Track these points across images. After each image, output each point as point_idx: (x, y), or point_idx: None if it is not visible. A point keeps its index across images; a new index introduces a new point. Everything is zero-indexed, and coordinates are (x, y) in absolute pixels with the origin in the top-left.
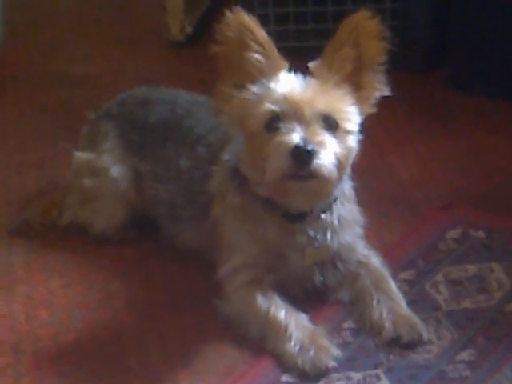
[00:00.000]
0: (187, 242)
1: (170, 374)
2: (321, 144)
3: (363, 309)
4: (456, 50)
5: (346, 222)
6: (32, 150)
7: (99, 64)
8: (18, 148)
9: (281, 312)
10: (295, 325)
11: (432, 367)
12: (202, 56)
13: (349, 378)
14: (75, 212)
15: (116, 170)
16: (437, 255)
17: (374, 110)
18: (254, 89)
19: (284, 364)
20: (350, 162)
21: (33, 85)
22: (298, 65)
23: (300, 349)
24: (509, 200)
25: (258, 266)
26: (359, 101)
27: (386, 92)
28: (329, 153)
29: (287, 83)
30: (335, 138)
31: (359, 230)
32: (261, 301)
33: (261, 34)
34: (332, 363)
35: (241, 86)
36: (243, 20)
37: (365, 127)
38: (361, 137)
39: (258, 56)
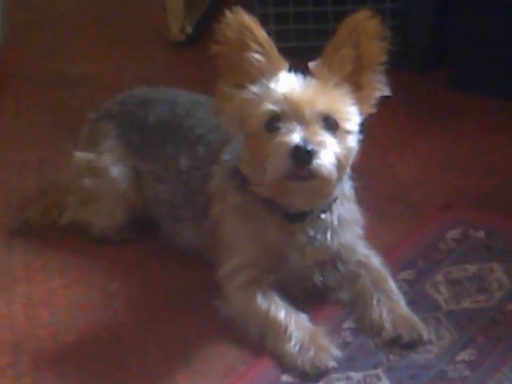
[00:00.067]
0: (187, 242)
1: (170, 374)
2: (321, 144)
3: (363, 309)
4: (456, 49)
5: (346, 221)
6: (32, 150)
7: (99, 64)
8: (18, 148)
9: (281, 312)
10: (295, 325)
11: (432, 367)
12: (202, 56)
13: (349, 378)
14: (75, 212)
15: (116, 170)
16: (437, 255)
17: (374, 110)
18: (254, 89)
19: (284, 364)
20: (350, 162)
21: (33, 85)
22: (298, 65)
23: (300, 349)
24: (509, 200)
25: (257, 266)
26: (359, 101)
27: (386, 92)
28: (329, 153)
29: (287, 83)
30: (335, 138)
31: (359, 230)
32: (261, 301)
33: (261, 33)
34: (332, 363)
35: (241, 86)
36: (243, 20)
37: (365, 127)
38: (361, 137)
39: (258, 56)
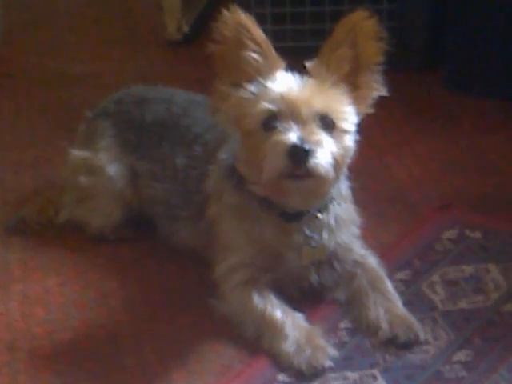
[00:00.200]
0: (183, 242)
1: (166, 373)
2: (318, 143)
3: (360, 309)
4: (454, 49)
5: (342, 221)
6: (29, 148)
7: (97, 63)
8: (14, 147)
9: (277, 311)
10: (291, 324)
11: (428, 367)
12: (199, 55)
13: (345, 378)
14: (72, 210)
15: (112, 169)
16: (433, 255)
17: (371, 110)
18: (251, 88)
19: (280, 363)
20: (347, 161)
21: (31, 84)
22: (295, 64)
23: (296, 348)
24: (506, 200)
25: (254, 266)
26: (356, 101)
27: (383, 92)
28: (325, 152)
29: (284, 82)
30: (332, 137)
31: (356, 230)
32: (257, 300)
33: (258, 33)
34: (328, 363)
35: (238, 85)
36: (240, 19)
37: (362, 127)
38: (358, 137)
39: (254, 55)
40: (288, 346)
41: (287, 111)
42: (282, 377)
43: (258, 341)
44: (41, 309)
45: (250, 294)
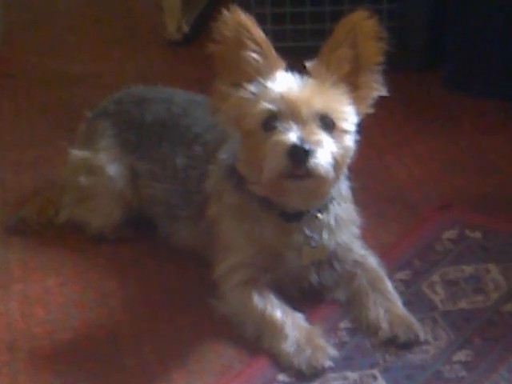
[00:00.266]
0: (183, 242)
1: (166, 373)
2: (318, 143)
3: (360, 309)
4: (454, 49)
5: (342, 221)
6: (29, 148)
7: (97, 63)
8: (15, 147)
9: (277, 311)
10: (291, 324)
11: (428, 367)
12: (199, 55)
13: (345, 378)
14: (72, 210)
15: (112, 169)
16: (433, 255)
17: (371, 110)
18: (251, 88)
19: (280, 363)
20: (347, 161)
21: (31, 84)
22: (295, 64)
23: (296, 348)
24: (507, 200)
25: (254, 266)
26: (356, 101)
27: (383, 92)
28: (325, 152)
29: (284, 82)
30: (332, 137)
31: (356, 230)
32: (257, 300)
33: (258, 33)
34: (328, 363)
35: (238, 85)
36: (240, 19)
37: (362, 127)
38: (358, 137)
39: (254, 55)
40: (288, 346)
41: (287, 111)
42: (282, 377)
43: (258, 341)
44: (41, 309)
45: (250, 294)
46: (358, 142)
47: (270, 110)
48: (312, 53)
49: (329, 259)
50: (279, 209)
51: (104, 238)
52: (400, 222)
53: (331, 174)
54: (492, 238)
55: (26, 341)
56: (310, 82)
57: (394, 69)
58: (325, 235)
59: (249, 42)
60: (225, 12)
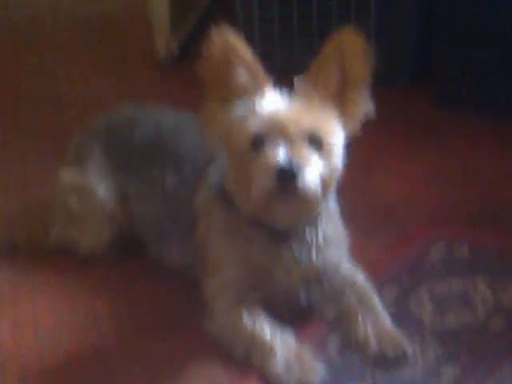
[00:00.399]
0: (174, 261)
1: None
2: (306, 163)
3: (348, 326)
4: (442, 66)
5: (330, 239)
6: (18, 169)
7: (86, 84)
8: (4, 168)
9: (266, 330)
10: (281, 343)
11: (417, 383)
12: (188, 75)
13: None
14: (62, 232)
15: (102, 190)
16: (421, 271)
17: (359, 128)
18: (239, 107)
19: (270, 382)
20: (335, 180)
21: (20, 105)
22: (284, 81)
23: (286, 367)
24: (494, 216)
25: (243, 284)
26: (344, 118)
27: (371, 109)
28: (314, 172)
29: (272, 101)
30: (320, 156)
31: (344, 247)
32: (246, 319)
33: (246, 52)
34: (317, 380)
35: (226, 104)
36: (229, 39)
37: (350, 144)
38: (346, 155)
39: (243, 74)
40: (277, 365)
41: (275, 130)
42: None
43: (247, 360)
44: (31, 331)
45: (240, 312)
46: (346, 160)
47: (258, 130)
48: (300, 71)
49: (317, 277)
50: (268, 228)
51: (94, 259)
52: (388, 237)
53: (319, 193)
54: (479, 253)
55: (16, 363)
56: (297, 100)
57: (381, 86)
58: (313, 253)
59: (237, 62)
60: (214, 32)
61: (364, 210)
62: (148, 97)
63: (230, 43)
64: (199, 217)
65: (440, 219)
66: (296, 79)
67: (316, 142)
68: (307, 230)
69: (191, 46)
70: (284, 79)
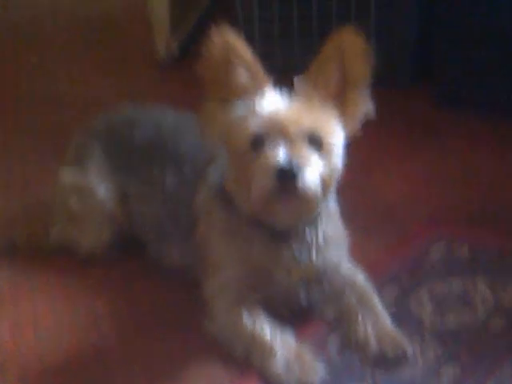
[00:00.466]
0: (174, 261)
1: None
2: (306, 163)
3: (348, 326)
4: (442, 66)
5: (331, 239)
6: (18, 169)
7: (86, 84)
8: (4, 168)
9: (266, 330)
10: (281, 343)
11: (417, 383)
12: (189, 74)
13: None
14: (62, 232)
15: (102, 190)
16: (421, 271)
17: (359, 128)
18: (239, 107)
19: (270, 382)
20: (335, 180)
21: (19, 105)
22: (284, 81)
23: (286, 367)
24: (494, 216)
25: (243, 284)
26: (344, 118)
27: (371, 109)
28: (314, 172)
29: (272, 101)
30: (320, 156)
31: (344, 247)
32: (246, 319)
33: (246, 52)
34: (317, 380)
35: (226, 105)
36: (229, 39)
37: (350, 144)
38: (346, 155)
39: (243, 74)
40: (277, 365)
41: (275, 131)
42: None
43: (247, 360)
44: (31, 331)
45: (240, 312)
46: (346, 159)
47: (258, 130)
48: (300, 71)
49: (317, 277)
50: (268, 228)
51: (94, 259)
52: (387, 237)
53: (319, 193)
54: (480, 254)
55: (16, 363)
56: (297, 99)
57: (381, 86)
58: (313, 253)
59: (237, 62)
60: (214, 32)
61: (364, 210)
62: (148, 97)
63: (230, 43)
64: (199, 217)
65: (440, 219)
66: (296, 79)
67: (316, 142)
68: (307, 229)
69: (191, 46)
70: (284, 79)
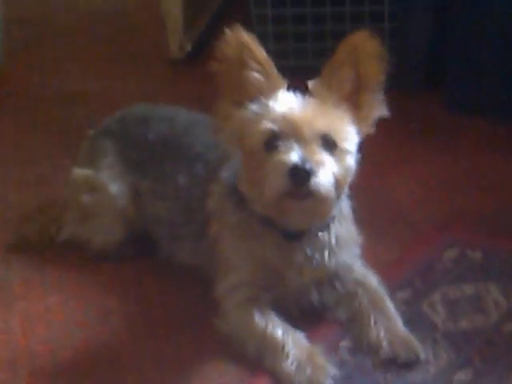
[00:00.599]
0: (185, 260)
1: None
2: (319, 163)
3: (360, 328)
4: (455, 69)
5: (343, 241)
6: (31, 166)
7: (99, 82)
8: (16, 164)
9: (278, 330)
10: (292, 343)
11: None
12: (202, 74)
13: None
14: (74, 228)
15: (115, 187)
16: (434, 275)
17: (372, 130)
18: (253, 107)
19: (281, 382)
20: (348, 181)
21: (33, 102)
22: (297, 83)
23: (297, 367)
24: (507, 220)
25: (255, 284)
26: (358, 120)
27: (385, 112)
28: (327, 172)
29: (286, 102)
30: (333, 157)
31: (356, 249)
32: (258, 319)
33: (260, 52)
34: (329, 382)
35: (240, 104)
36: (242, 38)
37: (363, 147)
38: (359, 156)
39: (257, 74)
40: (289, 365)
41: (289, 131)
42: None
43: (258, 359)
44: (42, 327)
45: (251, 312)
46: (359, 161)
47: (271, 130)
48: (314, 72)
49: (329, 278)
50: (280, 228)
51: (106, 256)
52: (400, 241)
53: (332, 193)
54: (492, 258)
55: (27, 359)
56: (311, 101)
57: (394, 88)
58: (326, 255)
59: (251, 62)
60: (227, 31)
61: (377, 214)
62: (161, 96)
63: (244, 43)
64: (211, 216)
65: (453, 223)
66: (310, 82)
67: (329, 144)
68: (320, 230)
69: (204, 45)
70: (298, 81)
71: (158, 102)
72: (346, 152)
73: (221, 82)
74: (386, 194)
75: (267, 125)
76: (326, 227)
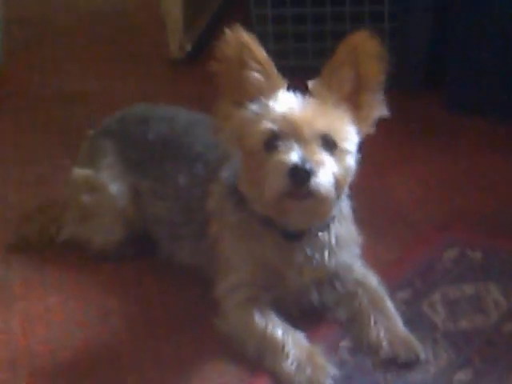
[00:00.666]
0: (185, 260)
1: None
2: (319, 163)
3: (360, 328)
4: (454, 69)
5: (343, 241)
6: (31, 166)
7: (98, 81)
8: (16, 164)
9: (278, 330)
10: (292, 343)
11: None
12: (202, 73)
13: None
14: (73, 228)
15: (115, 187)
16: (434, 275)
17: (372, 130)
18: (253, 107)
19: (281, 382)
20: (348, 181)
21: (33, 102)
22: (297, 83)
23: (297, 367)
24: (507, 220)
25: (255, 284)
26: (358, 120)
27: (385, 112)
28: (327, 172)
29: (286, 102)
30: (333, 157)
31: (357, 250)
32: (258, 319)
33: (260, 52)
34: (329, 382)
35: (240, 104)
36: (242, 38)
37: (363, 147)
38: (359, 156)
39: (257, 74)
40: (289, 365)
41: (289, 131)
42: None
43: (258, 359)
44: (42, 327)
45: (251, 312)
46: (359, 161)
47: (271, 130)
48: (314, 72)
49: (329, 279)
50: (280, 228)
51: (106, 256)
52: (400, 241)
53: (332, 193)
54: (492, 258)
55: (27, 359)
56: (311, 101)
57: (394, 88)
58: (326, 255)
59: (251, 62)
60: (227, 31)
61: (376, 214)
62: (161, 96)
63: (244, 42)
64: (211, 216)
65: (453, 223)
66: (310, 82)
67: (329, 144)
68: (320, 230)
69: (204, 45)
70: (298, 81)
71: (158, 101)
72: (346, 152)
73: (221, 82)
74: (385, 194)
75: (267, 125)
76: (326, 227)
